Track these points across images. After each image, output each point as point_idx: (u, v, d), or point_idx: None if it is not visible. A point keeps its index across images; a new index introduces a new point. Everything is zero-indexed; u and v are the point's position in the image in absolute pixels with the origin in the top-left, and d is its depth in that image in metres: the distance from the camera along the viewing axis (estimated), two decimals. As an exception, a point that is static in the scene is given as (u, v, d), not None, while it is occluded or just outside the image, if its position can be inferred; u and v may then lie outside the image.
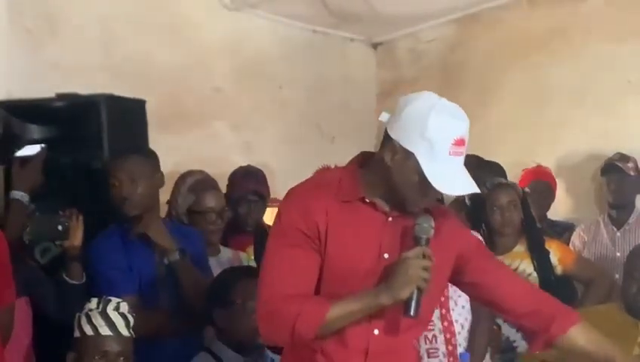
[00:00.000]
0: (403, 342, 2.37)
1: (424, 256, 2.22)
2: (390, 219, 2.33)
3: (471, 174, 2.27)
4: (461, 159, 2.24)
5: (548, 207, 4.84)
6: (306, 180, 2.45)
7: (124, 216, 3.31)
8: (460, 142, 2.20)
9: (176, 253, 3.29)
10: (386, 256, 2.31)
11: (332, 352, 2.31)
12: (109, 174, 3.33)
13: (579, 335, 2.44)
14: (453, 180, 2.22)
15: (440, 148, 2.18)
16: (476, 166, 4.48)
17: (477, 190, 2.25)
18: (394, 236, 2.33)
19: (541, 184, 4.81)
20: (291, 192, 2.37)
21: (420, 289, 2.20)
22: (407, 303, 2.21)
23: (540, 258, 3.99)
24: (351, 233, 2.27)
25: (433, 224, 2.26)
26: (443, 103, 2.23)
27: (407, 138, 2.21)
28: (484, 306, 2.74)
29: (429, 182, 2.18)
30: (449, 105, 2.24)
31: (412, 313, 2.21)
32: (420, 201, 2.28)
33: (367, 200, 2.32)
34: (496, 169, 4.34)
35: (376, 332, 2.32)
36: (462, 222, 2.58)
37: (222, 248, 3.78)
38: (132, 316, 2.91)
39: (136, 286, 3.24)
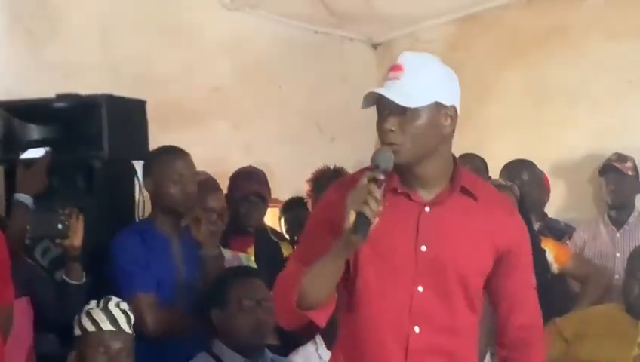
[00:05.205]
0: (449, 343, 2.29)
1: (375, 182, 2.10)
2: (427, 209, 2.27)
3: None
4: (393, 81, 2.29)
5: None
6: (351, 174, 2.41)
7: (178, 212, 3.34)
8: (394, 67, 2.28)
9: (215, 248, 3.37)
10: (423, 248, 2.25)
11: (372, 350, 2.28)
12: (167, 170, 3.34)
13: None
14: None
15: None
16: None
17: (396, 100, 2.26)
18: (433, 227, 2.25)
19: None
20: (334, 183, 2.38)
21: (362, 214, 2.07)
22: (354, 227, 2.08)
23: (535, 257, 3.97)
24: (384, 225, 2.14)
25: (394, 158, 2.18)
26: None
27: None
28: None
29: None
30: None
31: (357, 233, 2.08)
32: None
33: (400, 191, 2.26)
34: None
35: (416, 329, 2.26)
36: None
37: (221, 249, 3.78)
38: (133, 315, 2.92)
39: (154, 285, 3.24)
